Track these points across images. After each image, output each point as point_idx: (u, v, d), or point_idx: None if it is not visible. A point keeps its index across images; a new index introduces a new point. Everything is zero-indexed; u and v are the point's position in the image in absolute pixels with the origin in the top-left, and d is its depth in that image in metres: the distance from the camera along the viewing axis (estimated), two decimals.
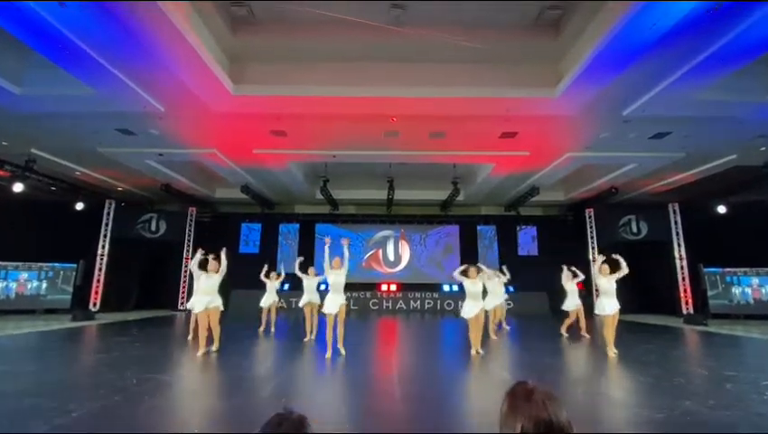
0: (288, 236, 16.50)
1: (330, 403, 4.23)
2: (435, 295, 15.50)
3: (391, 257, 16.60)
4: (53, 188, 11.63)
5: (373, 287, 15.79)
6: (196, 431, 3.06)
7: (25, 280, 12.68)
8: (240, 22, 6.90)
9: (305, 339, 7.76)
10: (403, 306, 15.22)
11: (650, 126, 8.32)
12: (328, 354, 6.11)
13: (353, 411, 3.90)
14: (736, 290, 12.74)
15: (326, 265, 6.26)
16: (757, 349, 7.66)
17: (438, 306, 15.22)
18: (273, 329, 9.00)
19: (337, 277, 6.27)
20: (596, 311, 6.85)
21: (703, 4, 4.72)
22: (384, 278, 16.26)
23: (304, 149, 10.35)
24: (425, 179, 14.02)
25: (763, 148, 9.16)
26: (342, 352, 6.26)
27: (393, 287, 15.87)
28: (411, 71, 7.21)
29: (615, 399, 4.16)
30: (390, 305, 15.28)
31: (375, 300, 15.34)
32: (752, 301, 12.57)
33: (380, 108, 7.80)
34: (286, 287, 11.49)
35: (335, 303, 6.18)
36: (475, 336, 6.55)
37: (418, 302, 15.32)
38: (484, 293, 7.23)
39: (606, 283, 6.61)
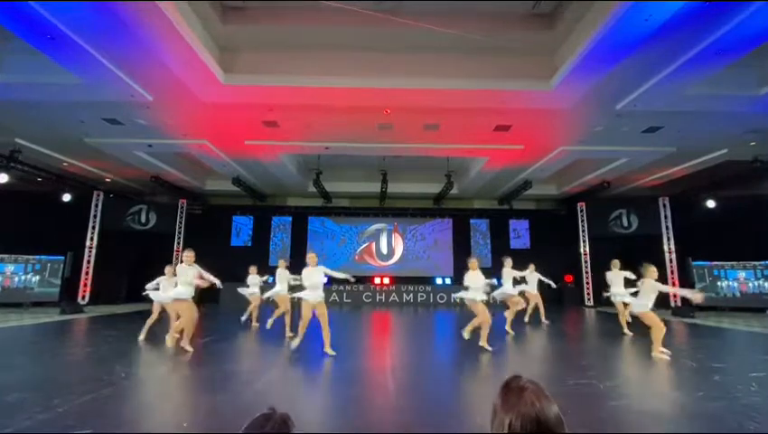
0: (281, 229, 16.38)
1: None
2: (428, 288, 15.51)
3: (384, 250, 16.58)
4: (39, 179, 11.36)
5: (366, 280, 15.77)
6: (191, 431, 3.01)
7: (11, 273, 12.44)
8: (231, 9, 6.74)
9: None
10: (396, 299, 15.21)
11: (643, 120, 8.34)
12: (290, 334, 6.56)
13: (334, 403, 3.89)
14: (723, 283, 12.97)
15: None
16: (743, 341, 7.80)
17: (431, 299, 15.25)
18: (268, 321, 8.91)
19: (309, 274, 5.94)
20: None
21: None
22: (377, 271, 16.25)
23: (297, 141, 10.21)
24: (418, 172, 13.98)
25: (753, 143, 9.25)
26: (331, 353, 5.78)
27: (386, 281, 15.87)
28: (406, 62, 7.11)
29: (604, 389, 4.19)
30: (383, 298, 15.26)
31: (368, 293, 15.32)
32: (738, 294, 12.80)
33: (374, 100, 7.70)
34: (271, 280, 11.28)
35: (309, 298, 5.86)
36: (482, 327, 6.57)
37: (411, 295, 15.33)
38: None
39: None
